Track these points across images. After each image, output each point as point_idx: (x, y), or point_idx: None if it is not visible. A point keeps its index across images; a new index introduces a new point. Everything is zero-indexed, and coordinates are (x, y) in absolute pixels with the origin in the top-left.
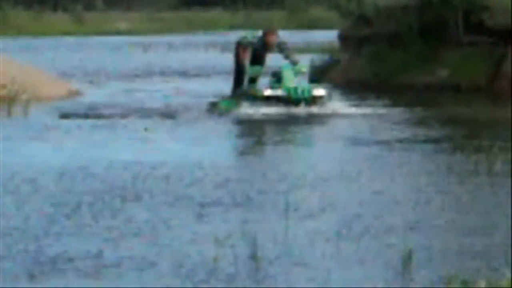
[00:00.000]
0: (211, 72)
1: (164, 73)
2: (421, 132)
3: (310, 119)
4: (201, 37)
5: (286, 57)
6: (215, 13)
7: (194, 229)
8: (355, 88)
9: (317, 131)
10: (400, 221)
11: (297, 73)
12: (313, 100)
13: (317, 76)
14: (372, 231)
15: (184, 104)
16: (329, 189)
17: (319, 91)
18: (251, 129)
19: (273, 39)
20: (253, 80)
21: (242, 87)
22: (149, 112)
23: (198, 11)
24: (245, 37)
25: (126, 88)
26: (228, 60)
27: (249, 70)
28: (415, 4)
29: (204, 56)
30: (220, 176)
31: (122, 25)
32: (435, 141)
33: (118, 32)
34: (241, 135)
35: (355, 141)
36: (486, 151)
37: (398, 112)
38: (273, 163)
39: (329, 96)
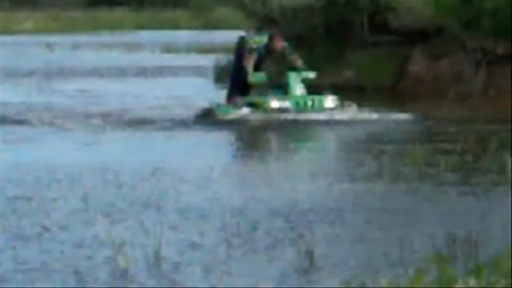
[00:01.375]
0: (116, 73)
1: (67, 73)
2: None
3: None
4: (106, 37)
5: (291, 64)
6: (121, 13)
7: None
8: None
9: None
10: (306, 223)
11: (303, 80)
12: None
13: (222, 76)
14: (275, 234)
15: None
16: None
17: (330, 102)
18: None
19: (279, 45)
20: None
21: (248, 96)
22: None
23: (104, 11)
24: (247, 41)
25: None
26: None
27: (253, 77)
28: (320, 5)
29: (108, 56)
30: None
31: (28, 25)
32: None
33: (23, 32)
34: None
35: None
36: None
37: None
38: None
39: (341, 106)
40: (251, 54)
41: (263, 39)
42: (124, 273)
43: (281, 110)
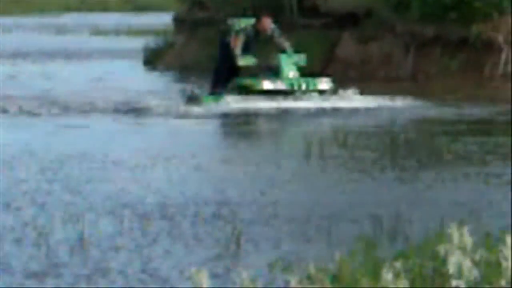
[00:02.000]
0: (44, 56)
1: None
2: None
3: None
4: (35, 20)
5: (279, 46)
6: None
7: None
8: (189, 72)
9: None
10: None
11: (295, 63)
12: (318, 95)
13: (151, 59)
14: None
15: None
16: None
17: (324, 84)
18: None
19: (267, 25)
20: (239, 71)
21: (235, 80)
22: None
23: None
24: (232, 26)
25: None
26: (61, 42)
27: (242, 60)
28: None
29: (37, 39)
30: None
31: None
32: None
33: None
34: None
35: None
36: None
37: None
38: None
39: (335, 90)
40: (238, 36)
41: (250, 21)
42: (48, 256)
43: (275, 92)
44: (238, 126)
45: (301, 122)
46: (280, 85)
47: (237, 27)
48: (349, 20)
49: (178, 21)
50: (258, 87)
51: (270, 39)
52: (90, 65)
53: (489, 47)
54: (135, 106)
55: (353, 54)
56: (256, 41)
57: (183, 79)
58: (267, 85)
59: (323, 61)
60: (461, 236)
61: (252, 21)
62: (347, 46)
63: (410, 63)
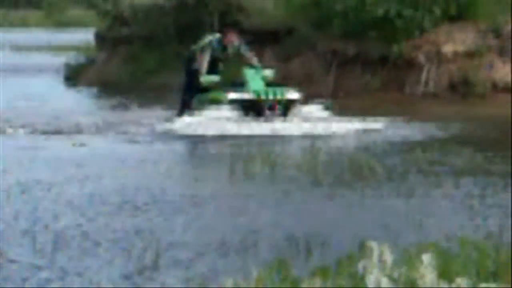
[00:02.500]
0: None
1: None
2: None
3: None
4: None
5: (246, 60)
6: None
7: None
8: (110, 88)
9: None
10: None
11: (263, 77)
12: (287, 105)
13: (72, 75)
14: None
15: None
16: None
17: (293, 94)
18: None
19: (233, 39)
20: (205, 90)
21: (199, 96)
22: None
23: None
24: (197, 46)
25: None
26: None
27: (205, 78)
28: (171, 5)
29: None
30: None
31: None
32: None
33: None
34: None
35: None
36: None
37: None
38: None
39: (304, 100)
40: (204, 52)
41: (215, 35)
42: None
43: (240, 101)
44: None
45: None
46: (246, 96)
47: (202, 43)
48: (270, 37)
49: (100, 37)
50: (223, 98)
51: (237, 54)
52: (9, 81)
53: (410, 65)
54: (62, 125)
55: (275, 71)
56: (223, 56)
57: (105, 95)
58: (232, 95)
59: None
60: (381, 253)
61: (217, 35)
62: (269, 63)
63: (332, 81)
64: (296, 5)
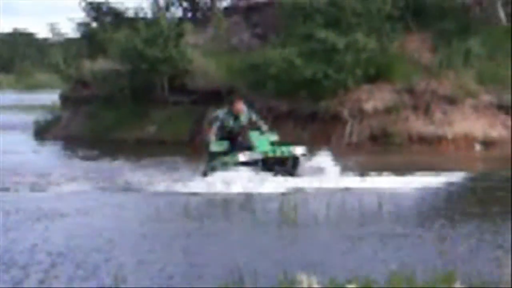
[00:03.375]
0: None
1: None
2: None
3: None
4: None
5: (257, 127)
6: None
7: None
8: (75, 142)
9: None
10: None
11: (267, 139)
12: (295, 160)
13: (40, 131)
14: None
15: None
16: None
17: (299, 150)
18: None
19: (240, 106)
20: (214, 156)
21: (211, 163)
22: None
23: None
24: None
25: None
26: None
27: (214, 146)
28: (126, 69)
29: None
30: None
31: None
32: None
33: None
34: None
35: None
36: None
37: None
38: None
39: (309, 156)
40: (213, 124)
41: (224, 109)
42: None
43: (251, 162)
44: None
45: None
46: (255, 156)
47: (208, 119)
48: (213, 96)
49: (64, 98)
50: (234, 159)
51: (250, 122)
52: None
53: (336, 120)
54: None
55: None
56: (238, 126)
57: (69, 148)
58: (242, 157)
59: (191, 133)
60: (310, 284)
61: (225, 109)
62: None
63: None
64: (236, 68)
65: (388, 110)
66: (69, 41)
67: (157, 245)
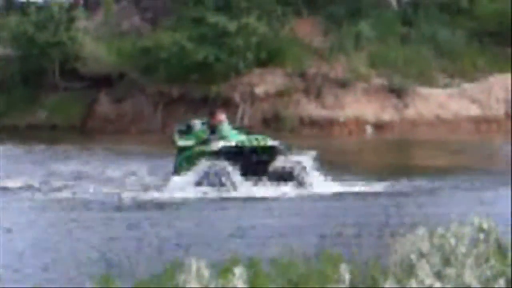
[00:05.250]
0: None
1: None
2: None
3: None
4: None
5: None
6: None
7: None
8: None
9: None
10: None
11: (241, 132)
12: (271, 152)
13: None
14: None
15: None
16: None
17: (273, 142)
18: None
19: (221, 117)
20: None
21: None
22: None
23: None
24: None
25: None
26: None
27: (181, 141)
28: (17, 54)
29: None
30: None
31: None
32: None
33: None
34: None
35: None
36: None
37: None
38: None
39: (287, 148)
40: (184, 137)
41: (203, 118)
42: None
43: (226, 147)
44: None
45: None
46: (230, 143)
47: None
48: (104, 82)
49: None
50: (209, 149)
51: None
52: None
53: (228, 104)
54: None
55: (109, 111)
56: (214, 138)
57: None
58: (216, 145)
59: (83, 118)
60: (199, 268)
61: (204, 119)
62: (104, 104)
63: (159, 119)
64: (127, 52)
65: (279, 94)
66: None
67: None
